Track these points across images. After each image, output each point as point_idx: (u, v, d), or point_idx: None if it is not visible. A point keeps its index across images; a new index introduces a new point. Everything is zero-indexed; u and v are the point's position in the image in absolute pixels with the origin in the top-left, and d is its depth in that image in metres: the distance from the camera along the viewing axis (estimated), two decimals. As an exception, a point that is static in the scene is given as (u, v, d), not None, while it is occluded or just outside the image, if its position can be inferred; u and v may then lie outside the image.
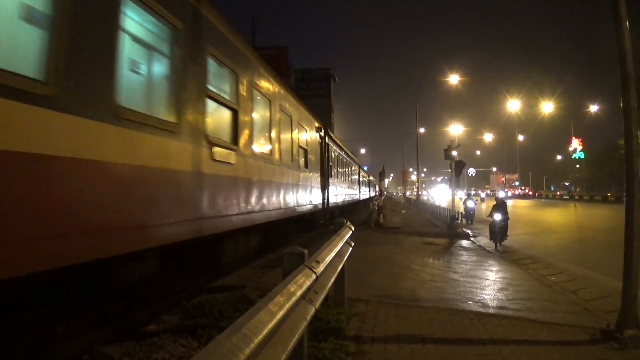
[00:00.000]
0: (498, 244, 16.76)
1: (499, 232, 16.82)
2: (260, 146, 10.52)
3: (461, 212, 26.66)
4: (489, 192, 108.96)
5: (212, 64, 7.72)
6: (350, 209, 31.76)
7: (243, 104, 9.03)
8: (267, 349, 2.76)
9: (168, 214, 6.12)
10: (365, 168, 60.51)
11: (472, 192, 47.89)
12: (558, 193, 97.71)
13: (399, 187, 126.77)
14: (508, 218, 17.48)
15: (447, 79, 43.02)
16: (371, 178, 56.80)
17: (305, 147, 15.64)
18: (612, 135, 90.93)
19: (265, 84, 10.83)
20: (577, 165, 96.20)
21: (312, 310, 3.98)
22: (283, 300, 3.19)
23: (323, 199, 18.64)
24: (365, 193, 43.35)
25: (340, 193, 25.02)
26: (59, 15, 4.19)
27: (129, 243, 5.26)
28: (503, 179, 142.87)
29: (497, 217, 17.14)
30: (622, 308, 6.35)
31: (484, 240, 18.78)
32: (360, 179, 39.45)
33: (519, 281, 10.59)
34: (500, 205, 17.70)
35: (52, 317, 5.46)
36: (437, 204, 40.51)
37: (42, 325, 5.28)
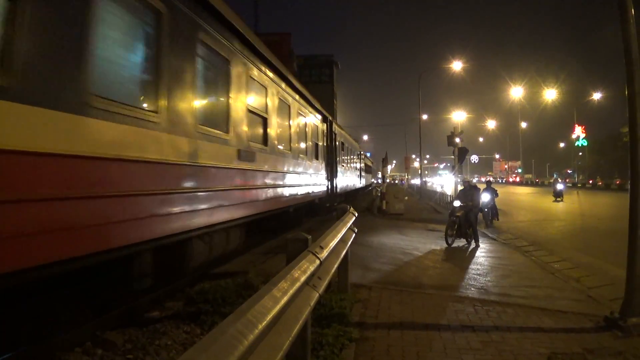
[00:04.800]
0: (450, 240, 13.66)
1: (455, 225, 13.84)
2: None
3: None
4: (491, 179, 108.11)
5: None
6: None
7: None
8: (271, 335, 2.73)
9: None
10: (369, 154, 61.28)
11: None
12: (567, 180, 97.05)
13: (393, 175, 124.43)
14: (477, 209, 14.80)
15: (450, 66, 42.84)
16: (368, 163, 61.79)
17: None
18: (615, 123, 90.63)
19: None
20: (580, 153, 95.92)
21: (316, 296, 3.96)
22: (287, 286, 3.17)
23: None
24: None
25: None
26: None
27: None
28: (506, 166, 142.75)
29: (456, 203, 14.54)
30: (625, 296, 6.33)
31: (489, 227, 18.73)
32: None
33: (522, 268, 10.59)
34: (466, 192, 14.82)
35: (55, 303, 5.46)
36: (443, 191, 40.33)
37: (45, 312, 5.28)
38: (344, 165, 27.01)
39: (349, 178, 29.26)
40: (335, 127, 22.40)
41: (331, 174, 20.13)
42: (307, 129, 15.29)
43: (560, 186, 38.78)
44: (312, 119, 16.55)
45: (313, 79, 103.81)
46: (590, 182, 75.83)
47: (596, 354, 5.35)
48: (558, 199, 37.06)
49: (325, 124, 19.80)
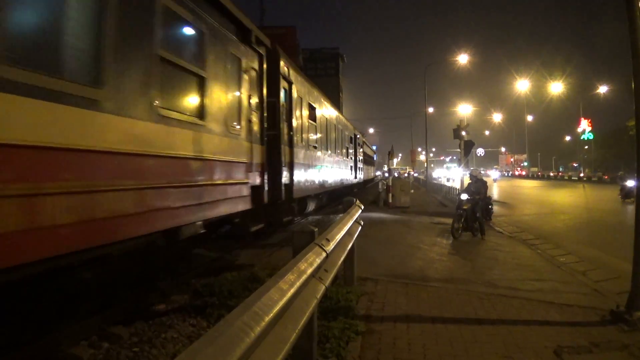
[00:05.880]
0: (457, 233, 13.39)
1: (462, 218, 13.69)
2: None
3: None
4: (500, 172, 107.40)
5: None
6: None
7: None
8: (278, 328, 2.73)
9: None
10: (374, 147, 61.23)
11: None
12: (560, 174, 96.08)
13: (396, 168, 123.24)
14: (484, 199, 14.97)
15: (456, 59, 42.84)
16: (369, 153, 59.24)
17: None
18: (621, 117, 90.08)
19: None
20: (586, 147, 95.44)
21: (322, 289, 3.96)
22: (294, 278, 3.17)
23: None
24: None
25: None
26: None
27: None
28: (512, 159, 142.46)
29: (463, 196, 14.39)
30: (631, 289, 6.29)
31: (495, 219, 18.63)
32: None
33: (528, 262, 10.55)
34: (472, 184, 14.90)
35: (61, 297, 5.47)
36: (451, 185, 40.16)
37: (51, 306, 5.29)
38: (317, 147, 16.86)
39: (327, 170, 19.01)
40: (287, 69, 12.12)
41: (274, 162, 10.88)
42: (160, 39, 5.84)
43: (631, 182, 27.73)
44: (198, 21, 6.94)
45: (319, 72, 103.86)
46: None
47: (602, 347, 5.34)
48: (627, 200, 28.18)
49: (253, 54, 9.60)
